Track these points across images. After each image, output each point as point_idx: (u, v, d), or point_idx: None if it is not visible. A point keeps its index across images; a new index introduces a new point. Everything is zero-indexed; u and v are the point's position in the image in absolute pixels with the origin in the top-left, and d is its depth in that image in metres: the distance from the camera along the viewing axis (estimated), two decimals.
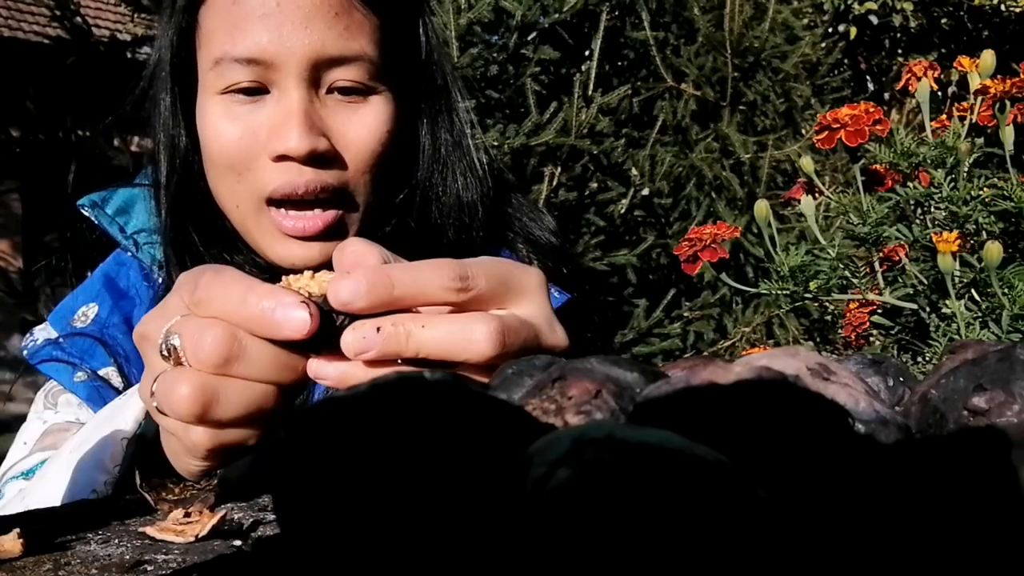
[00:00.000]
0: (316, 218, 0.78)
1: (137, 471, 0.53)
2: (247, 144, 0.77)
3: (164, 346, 0.50)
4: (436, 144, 0.87)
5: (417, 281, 0.49)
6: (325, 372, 0.50)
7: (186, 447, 0.52)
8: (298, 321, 0.47)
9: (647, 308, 2.88)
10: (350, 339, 0.48)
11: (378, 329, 0.48)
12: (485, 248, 0.88)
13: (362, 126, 0.79)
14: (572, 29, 3.01)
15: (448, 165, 0.87)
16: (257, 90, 0.77)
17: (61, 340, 0.84)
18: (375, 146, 0.79)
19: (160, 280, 0.86)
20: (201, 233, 0.83)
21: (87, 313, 0.87)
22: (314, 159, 0.76)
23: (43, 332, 0.87)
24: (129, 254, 0.89)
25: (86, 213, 0.88)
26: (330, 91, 0.78)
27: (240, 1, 0.75)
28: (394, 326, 0.48)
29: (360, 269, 0.50)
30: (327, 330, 0.49)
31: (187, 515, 0.45)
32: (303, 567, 0.27)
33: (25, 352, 0.85)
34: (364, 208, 0.81)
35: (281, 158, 0.75)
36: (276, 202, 0.78)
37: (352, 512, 0.26)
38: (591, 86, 2.82)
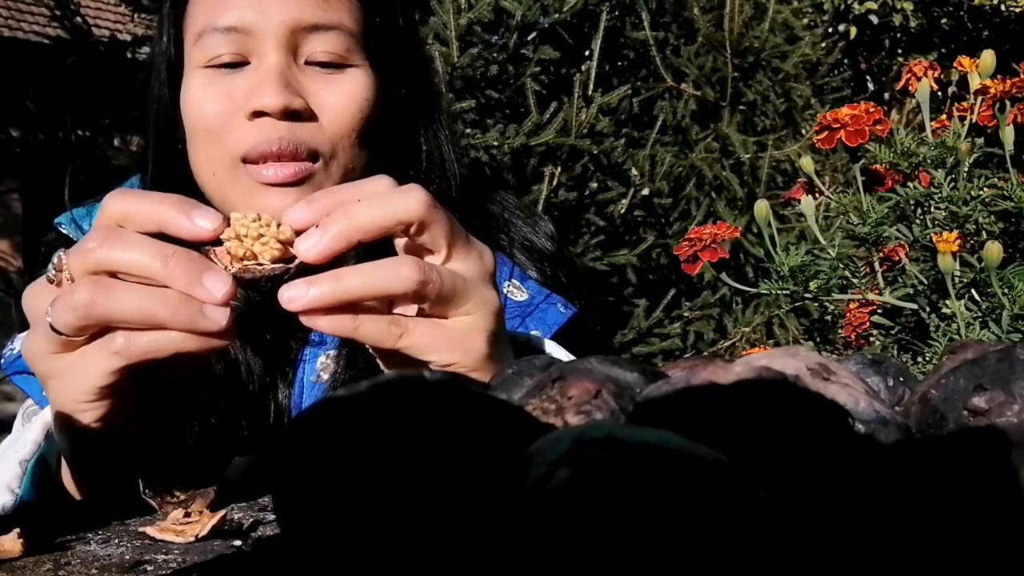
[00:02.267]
0: (294, 166, 0.77)
1: (140, 479, 0.53)
2: (224, 106, 0.77)
3: (51, 272, 0.56)
4: (416, 127, 0.87)
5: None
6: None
7: (85, 369, 0.56)
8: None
9: (647, 308, 2.88)
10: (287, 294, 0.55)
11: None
12: None
13: (340, 91, 0.79)
14: (572, 29, 3.01)
15: (428, 146, 0.88)
16: (238, 64, 0.78)
17: None
18: (353, 110, 0.79)
19: None
20: None
21: None
22: (290, 116, 0.76)
23: (22, 341, 0.85)
24: None
25: (64, 231, 0.87)
26: (309, 63, 0.79)
27: None
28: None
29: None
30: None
31: (187, 515, 0.45)
32: (303, 567, 0.27)
33: (2, 361, 0.84)
34: (343, 176, 0.80)
35: (256, 115, 0.76)
36: (251, 161, 0.78)
37: (352, 512, 0.26)
38: (591, 86, 2.82)
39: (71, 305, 0.54)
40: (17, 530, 0.41)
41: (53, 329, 0.56)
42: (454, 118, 0.94)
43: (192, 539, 0.42)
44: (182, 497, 0.51)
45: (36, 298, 0.59)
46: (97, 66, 3.18)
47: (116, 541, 0.43)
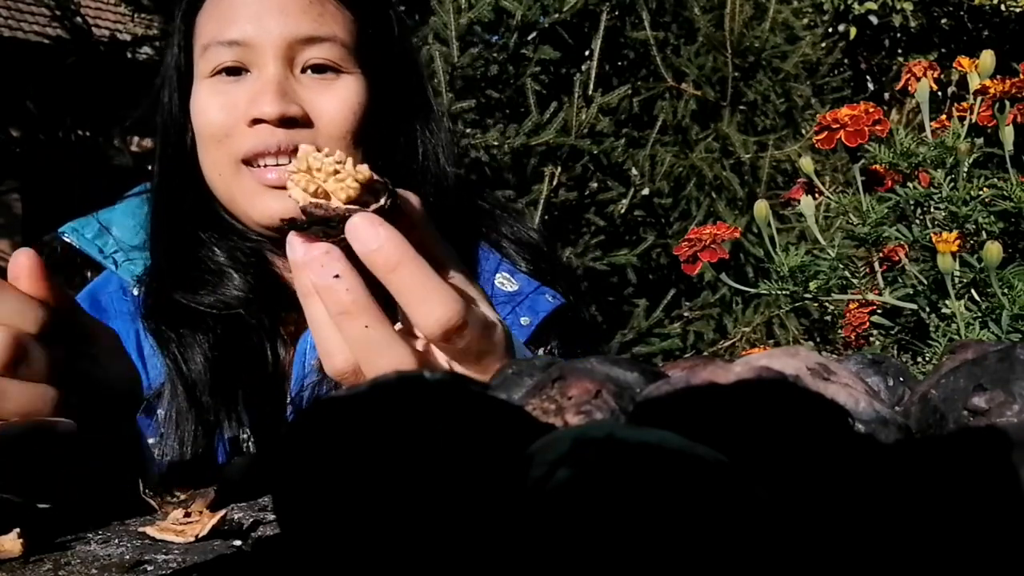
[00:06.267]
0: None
1: (140, 480, 0.53)
2: (227, 114, 0.84)
3: None
4: (412, 128, 0.93)
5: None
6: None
7: None
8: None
9: (647, 308, 2.88)
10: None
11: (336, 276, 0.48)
12: (467, 240, 0.94)
13: (334, 98, 0.85)
14: (572, 29, 3.02)
15: (424, 147, 0.94)
16: (239, 70, 0.85)
17: None
18: (347, 114, 0.85)
19: (137, 294, 0.89)
20: (197, 219, 0.89)
21: None
22: (287, 123, 0.82)
23: None
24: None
25: (67, 239, 0.93)
26: (304, 70, 0.85)
27: None
28: (347, 292, 0.48)
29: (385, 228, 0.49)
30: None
31: (187, 515, 0.45)
32: (303, 567, 0.27)
33: None
34: None
35: (256, 122, 0.82)
36: (252, 163, 0.84)
37: (352, 512, 0.26)
38: (591, 86, 2.82)
39: None
40: (17, 530, 0.41)
41: None
42: (453, 119, 1.00)
43: (192, 539, 0.42)
44: (182, 497, 0.51)
45: None
46: (97, 66, 3.19)
47: (116, 541, 0.43)
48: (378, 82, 0.88)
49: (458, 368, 0.53)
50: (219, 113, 0.84)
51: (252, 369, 0.85)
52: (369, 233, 0.48)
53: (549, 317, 0.89)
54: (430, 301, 0.49)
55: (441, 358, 0.53)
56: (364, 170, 0.49)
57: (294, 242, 0.49)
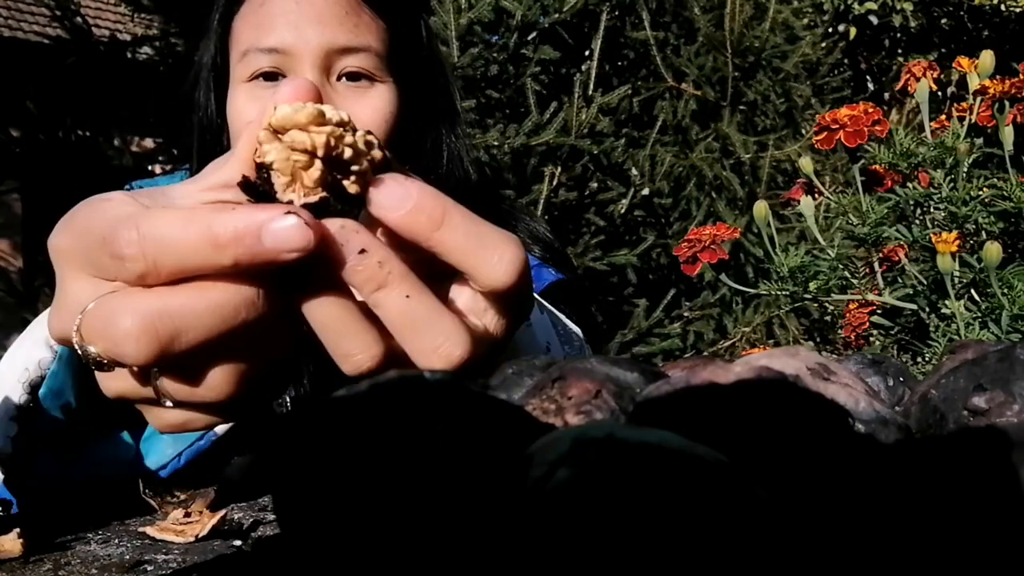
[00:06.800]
0: None
1: (140, 480, 0.53)
2: None
3: (86, 358, 0.38)
4: (439, 132, 0.97)
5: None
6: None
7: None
8: (294, 234, 0.35)
9: (647, 308, 2.89)
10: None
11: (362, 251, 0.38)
12: None
13: (368, 106, 0.86)
14: (572, 29, 3.02)
15: (449, 150, 0.97)
16: (276, 75, 0.86)
17: None
18: (380, 123, 0.86)
19: None
20: None
21: None
22: None
23: None
24: None
25: None
26: (339, 78, 0.87)
27: (266, 4, 0.87)
28: (380, 265, 0.38)
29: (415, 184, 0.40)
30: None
31: (187, 515, 0.45)
32: (303, 567, 0.27)
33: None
34: None
35: None
36: None
37: (352, 512, 0.26)
38: (591, 86, 2.82)
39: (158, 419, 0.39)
40: (17, 530, 0.41)
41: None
42: (468, 123, 1.04)
43: (192, 539, 0.42)
44: (182, 497, 0.51)
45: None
46: (97, 66, 3.19)
47: (116, 541, 0.43)
48: (408, 88, 0.90)
49: (501, 331, 0.43)
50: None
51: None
52: (399, 194, 0.38)
53: (552, 290, 0.93)
54: (495, 244, 0.40)
55: (483, 323, 0.43)
56: (377, 152, 0.39)
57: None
